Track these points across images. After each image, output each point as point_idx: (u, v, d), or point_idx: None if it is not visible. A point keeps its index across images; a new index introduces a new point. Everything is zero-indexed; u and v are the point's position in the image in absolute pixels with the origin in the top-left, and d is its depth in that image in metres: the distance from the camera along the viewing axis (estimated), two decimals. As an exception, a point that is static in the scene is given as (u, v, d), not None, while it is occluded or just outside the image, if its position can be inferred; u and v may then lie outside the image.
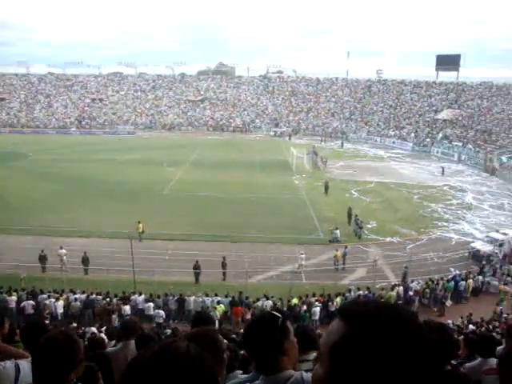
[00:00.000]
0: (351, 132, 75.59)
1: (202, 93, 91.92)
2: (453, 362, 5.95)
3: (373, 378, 1.06)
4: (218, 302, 21.04)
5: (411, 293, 22.82)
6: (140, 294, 21.36)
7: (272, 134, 75.83)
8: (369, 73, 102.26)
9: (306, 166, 50.17)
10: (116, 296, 21.00)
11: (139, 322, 6.40)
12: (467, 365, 4.75)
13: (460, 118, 70.85)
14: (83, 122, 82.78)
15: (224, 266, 24.27)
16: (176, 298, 21.34)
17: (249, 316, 19.66)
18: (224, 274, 24.32)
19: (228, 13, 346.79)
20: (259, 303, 20.64)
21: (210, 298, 21.29)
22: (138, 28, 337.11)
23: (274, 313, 2.55)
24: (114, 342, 8.20)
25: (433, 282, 23.69)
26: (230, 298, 21.22)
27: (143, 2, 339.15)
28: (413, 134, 70.13)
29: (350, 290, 22.16)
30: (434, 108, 77.28)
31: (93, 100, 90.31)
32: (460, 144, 62.20)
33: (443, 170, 51.10)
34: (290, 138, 70.68)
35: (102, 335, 11.98)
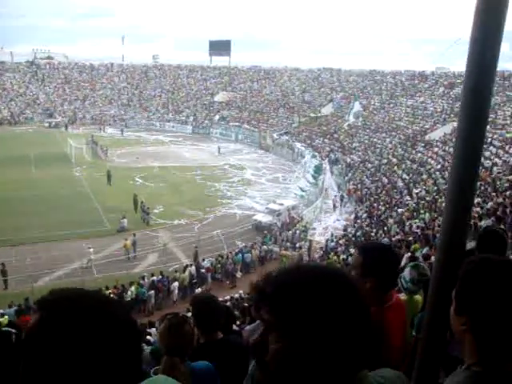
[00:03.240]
0: (130, 118, 74.30)
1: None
2: (235, 328, 6.10)
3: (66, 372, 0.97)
4: (2, 315, 19.00)
5: (203, 270, 23.47)
6: None
7: (46, 125, 70.42)
8: (145, 58, 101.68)
9: (86, 157, 47.93)
10: None
11: None
12: (246, 328, 4.88)
13: (234, 100, 74.57)
14: None
15: (4, 273, 22.03)
16: None
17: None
18: (5, 281, 22.08)
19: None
20: (49, 306, 19.20)
21: (-9, 312, 19.14)
22: None
23: (7, 329, 2.16)
24: None
25: (222, 257, 24.77)
26: (16, 307, 19.31)
27: None
28: (192, 117, 71.81)
29: (143, 277, 22.04)
30: (210, 91, 79.98)
31: None
32: (236, 124, 65.60)
33: (219, 150, 53.51)
34: (66, 129, 66.55)
35: None
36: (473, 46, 2.06)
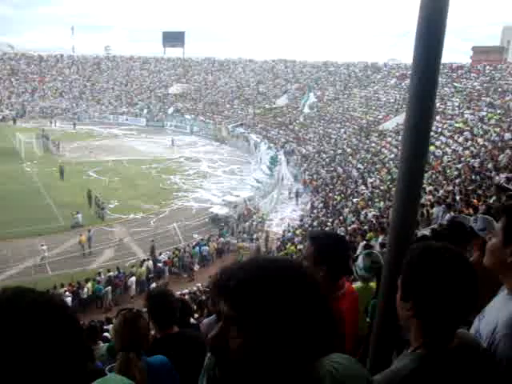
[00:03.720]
0: (83, 112, 72.58)
1: None
2: (193, 321, 6.11)
3: None
4: None
5: (161, 264, 23.31)
6: None
7: (-7, 119, 68.22)
8: (96, 49, 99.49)
9: (37, 152, 46.52)
10: None
11: None
12: (204, 321, 4.91)
13: (189, 92, 73.97)
14: None
15: (-48, 273, 21.29)
16: None
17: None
18: (-46, 282, 21.32)
19: None
20: None
21: None
22: None
23: None
24: None
25: (179, 250, 24.64)
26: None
27: None
28: (146, 110, 70.81)
29: (99, 273, 21.69)
30: (164, 83, 79.03)
31: None
32: (191, 117, 65.13)
33: (173, 142, 53.23)
34: (14, 123, 64.41)
35: None
36: (418, 39, 2.11)
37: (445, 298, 1.56)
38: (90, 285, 20.65)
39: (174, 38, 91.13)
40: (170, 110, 68.81)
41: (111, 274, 21.76)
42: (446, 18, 2.03)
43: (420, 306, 1.62)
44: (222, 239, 26.66)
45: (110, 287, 20.93)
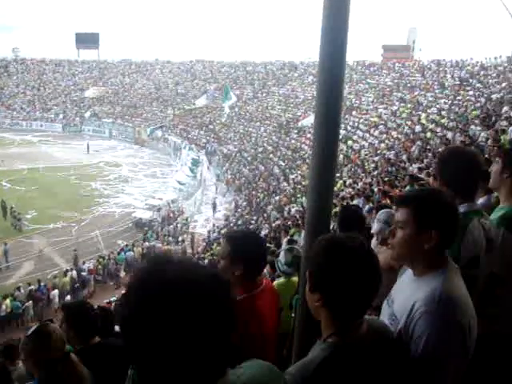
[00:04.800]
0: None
1: None
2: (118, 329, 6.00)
3: None
4: None
5: (85, 273, 22.63)
6: None
7: None
8: (3, 51, 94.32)
9: None
10: None
11: None
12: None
13: (106, 95, 72.04)
14: None
15: None
16: None
17: None
18: None
19: None
20: None
21: None
22: None
23: None
24: None
25: (103, 258, 24.04)
26: None
27: None
28: (61, 115, 68.24)
29: (19, 288, 20.62)
30: (80, 87, 76.33)
31: None
32: (109, 120, 63.52)
33: (88, 147, 51.43)
34: None
35: None
36: (323, 39, 2.17)
37: (350, 286, 1.62)
38: (8, 301, 19.59)
39: (87, 40, 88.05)
40: (87, 115, 66.62)
41: (32, 287, 20.78)
42: (348, 14, 2.10)
43: (327, 295, 1.67)
44: (146, 243, 26.23)
45: (31, 302, 19.98)
